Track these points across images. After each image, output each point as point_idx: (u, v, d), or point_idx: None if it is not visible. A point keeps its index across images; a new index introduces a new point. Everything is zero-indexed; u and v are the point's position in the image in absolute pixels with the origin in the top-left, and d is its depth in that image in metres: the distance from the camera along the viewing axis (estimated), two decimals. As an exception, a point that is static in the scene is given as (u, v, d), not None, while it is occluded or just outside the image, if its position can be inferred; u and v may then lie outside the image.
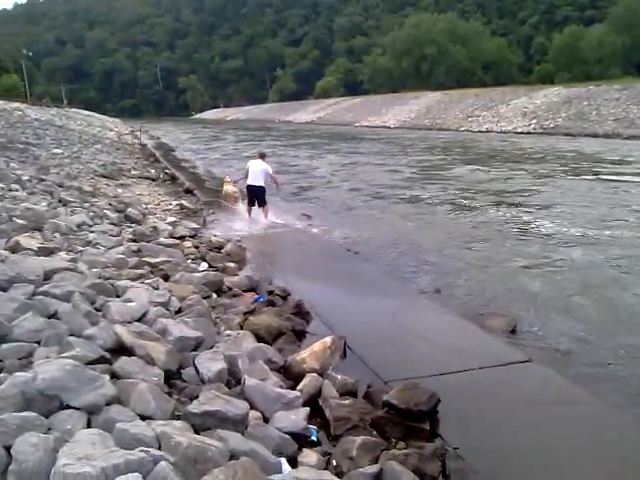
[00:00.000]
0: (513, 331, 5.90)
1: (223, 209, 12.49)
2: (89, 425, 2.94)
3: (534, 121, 43.01)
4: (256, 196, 11.29)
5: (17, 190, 9.68)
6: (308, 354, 4.65)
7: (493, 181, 18.11)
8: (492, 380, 4.61)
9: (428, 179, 18.87)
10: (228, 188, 12.47)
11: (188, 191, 15.49)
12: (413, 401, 3.76)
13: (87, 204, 10.34)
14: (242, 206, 12.19)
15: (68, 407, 2.97)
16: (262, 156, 11.78)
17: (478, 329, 5.83)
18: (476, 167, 21.58)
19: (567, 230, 10.95)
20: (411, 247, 10.08)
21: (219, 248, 8.71)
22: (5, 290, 4.58)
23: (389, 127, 57.07)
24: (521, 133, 40.79)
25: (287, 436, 3.42)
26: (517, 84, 64.29)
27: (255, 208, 11.53)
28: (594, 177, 18.27)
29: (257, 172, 11.24)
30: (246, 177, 11.43)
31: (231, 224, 11.09)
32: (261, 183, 11.22)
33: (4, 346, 3.64)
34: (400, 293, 7.24)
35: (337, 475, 3.07)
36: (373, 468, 3.14)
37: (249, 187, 11.29)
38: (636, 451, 3.67)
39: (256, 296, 6.50)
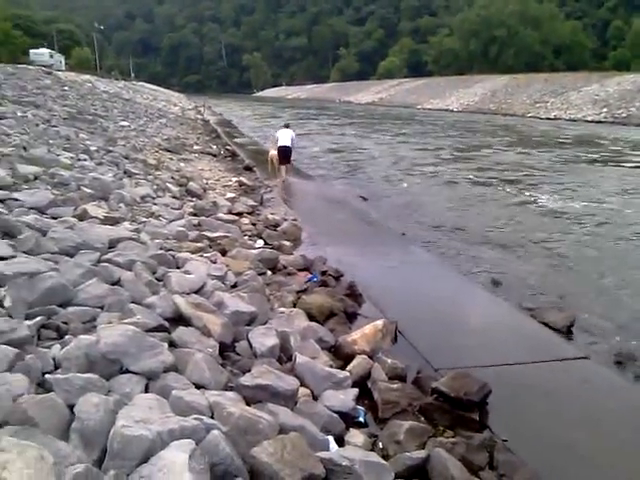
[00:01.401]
0: (571, 326, 5.73)
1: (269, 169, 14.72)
2: (147, 390, 3.07)
3: (605, 109, 41.12)
4: (285, 154, 14.04)
5: (85, 160, 10.03)
6: (359, 336, 4.68)
7: (552, 170, 17.62)
8: (546, 375, 4.52)
9: (477, 163, 18.52)
10: (272, 152, 14.65)
11: (247, 168, 15.68)
12: (463, 390, 3.74)
13: (151, 177, 10.63)
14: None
15: (128, 371, 3.11)
16: (287, 126, 14.96)
17: (534, 322, 5.70)
18: (524, 151, 21.15)
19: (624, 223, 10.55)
20: (460, 231, 10.08)
21: (275, 226, 8.82)
22: (72, 256, 4.79)
23: (452, 110, 55.86)
24: (591, 122, 39.10)
25: (335, 415, 3.47)
26: (590, 70, 61.45)
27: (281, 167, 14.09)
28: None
29: (286, 137, 14.08)
30: (276, 143, 14.18)
31: None
32: (288, 144, 14.05)
33: (70, 309, 3.82)
34: (454, 280, 7.15)
35: (383, 457, 3.10)
36: (420, 453, 3.15)
37: (280, 147, 14.01)
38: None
39: (310, 275, 6.56)
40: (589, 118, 40.37)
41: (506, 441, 3.49)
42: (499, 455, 3.28)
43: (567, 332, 5.62)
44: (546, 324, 5.64)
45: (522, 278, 7.58)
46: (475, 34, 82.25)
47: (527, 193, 13.74)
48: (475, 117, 45.88)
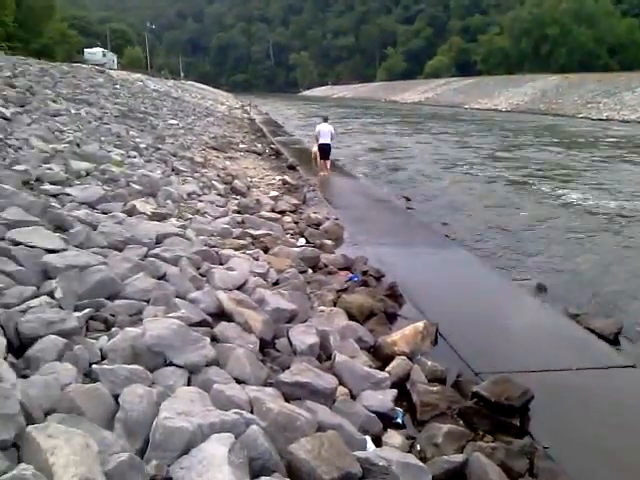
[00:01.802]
0: (619, 333, 5.55)
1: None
2: (189, 383, 3.14)
3: (661, 110, 39.59)
4: (325, 152, 14.17)
5: (135, 157, 10.30)
6: (399, 337, 4.66)
7: (593, 170, 17.20)
8: (591, 382, 4.40)
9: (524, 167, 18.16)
10: (314, 150, 14.95)
11: (291, 167, 15.78)
12: (505, 395, 3.68)
13: (197, 174, 10.83)
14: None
15: (171, 364, 3.19)
16: (326, 119, 14.85)
17: (580, 328, 5.55)
18: (564, 151, 20.83)
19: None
20: (502, 231, 10.00)
21: (317, 225, 8.85)
22: (120, 250, 4.95)
23: (500, 110, 54.81)
24: (646, 123, 37.69)
25: (373, 415, 3.47)
26: (646, 69, 59.22)
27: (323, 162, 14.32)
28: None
29: (326, 132, 14.10)
30: (317, 139, 14.34)
31: None
32: (328, 141, 14.14)
33: (117, 302, 3.94)
34: (499, 284, 7.03)
35: (421, 460, 3.08)
36: (458, 457, 3.12)
37: (320, 145, 14.17)
38: None
39: (351, 275, 6.56)
40: (644, 119, 38.93)
41: (547, 448, 3.42)
42: (539, 462, 3.22)
43: (614, 339, 5.44)
44: (592, 330, 5.48)
45: (568, 281, 7.39)
46: (526, 32, 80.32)
47: (562, 191, 13.71)
48: (523, 117, 44.94)
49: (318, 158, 14.41)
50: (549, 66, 73.22)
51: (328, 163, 14.49)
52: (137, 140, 12.54)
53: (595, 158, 20.04)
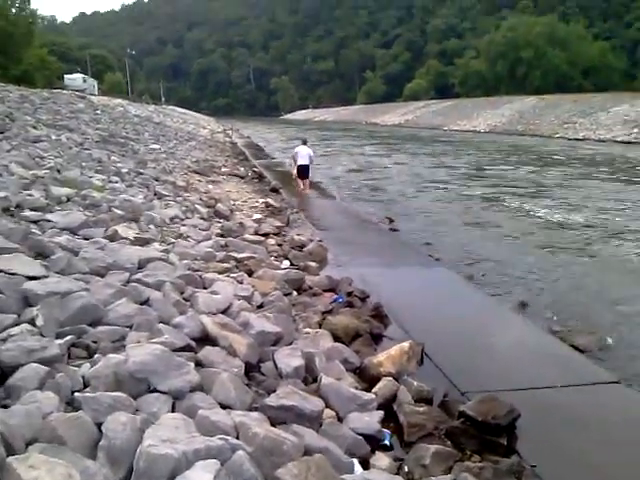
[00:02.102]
0: (602, 349, 5.60)
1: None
2: (173, 409, 3.09)
3: (636, 130, 40.51)
4: (304, 172, 15.04)
5: (117, 182, 10.26)
6: (385, 357, 4.65)
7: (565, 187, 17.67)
8: (576, 399, 4.41)
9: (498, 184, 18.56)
10: (294, 172, 15.52)
11: (274, 190, 15.84)
12: (491, 414, 3.67)
13: (180, 198, 10.81)
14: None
15: (155, 390, 3.14)
16: (304, 142, 15.73)
17: (563, 345, 5.59)
18: (535, 169, 21.70)
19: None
20: (484, 249, 10.16)
21: (301, 247, 8.86)
22: (102, 276, 4.90)
23: (479, 132, 55.69)
24: (621, 142, 38.53)
25: (360, 437, 3.45)
26: (619, 90, 60.74)
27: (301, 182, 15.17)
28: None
29: (304, 155, 14.94)
30: (294, 160, 15.20)
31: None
32: (307, 163, 15.01)
33: (100, 328, 3.89)
34: (481, 301, 7.07)
35: (409, 481, 3.06)
36: (446, 478, 3.10)
37: (299, 167, 14.98)
38: None
39: (335, 296, 6.56)
40: (619, 139, 39.80)
41: (535, 467, 3.41)
42: (527, 481, 3.21)
43: (597, 355, 5.49)
44: (576, 347, 5.53)
45: (549, 298, 7.46)
46: (502, 55, 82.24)
47: (534, 207, 14.37)
48: (500, 138, 45.70)
49: (296, 177, 15.27)
50: (525, 88, 74.85)
51: (307, 182, 15.40)
52: (119, 165, 12.50)
53: (566, 175, 21.02)
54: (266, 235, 9.40)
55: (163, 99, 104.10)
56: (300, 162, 14.94)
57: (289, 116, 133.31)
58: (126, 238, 6.40)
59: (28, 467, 2.13)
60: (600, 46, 78.15)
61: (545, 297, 7.54)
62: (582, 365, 5.16)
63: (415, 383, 4.33)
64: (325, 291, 6.81)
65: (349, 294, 6.61)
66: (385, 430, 3.71)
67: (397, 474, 3.25)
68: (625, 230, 11.76)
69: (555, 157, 28.15)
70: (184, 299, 4.94)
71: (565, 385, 4.58)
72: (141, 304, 4.46)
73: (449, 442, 3.68)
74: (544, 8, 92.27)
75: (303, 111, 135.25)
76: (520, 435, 3.75)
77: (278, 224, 10.47)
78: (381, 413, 3.80)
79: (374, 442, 3.55)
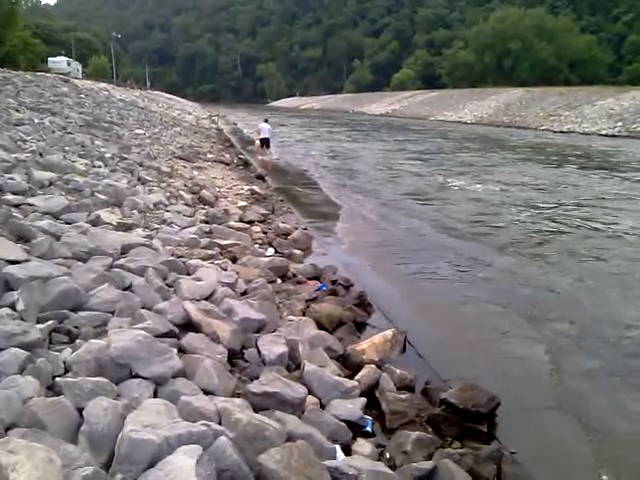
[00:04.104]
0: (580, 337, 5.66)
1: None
2: (155, 395, 3.09)
3: (619, 124, 40.79)
4: (266, 143, 18.02)
5: (100, 167, 10.12)
6: (368, 345, 4.68)
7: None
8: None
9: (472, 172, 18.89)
10: (257, 142, 18.31)
11: (259, 177, 15.79)
12: (472, 402, 3.72)
13: (164, 184, 10.71)
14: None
15: (137, 376, 3.13)
16: (266, 120, 18.88)
17: (543, 334, 5.66)
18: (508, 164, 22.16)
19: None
20: (461, 234, 10.21)
21: (286, 235, 8.85)
22: (85, 261, 4.85)
23: (465, 123, 55.75)
24: (605, 135, 38.83)
25: (343, 424, 3.47)
26: (605, 84, 61.11)
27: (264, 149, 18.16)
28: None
29: (266, 130, 18.08)
30: (259, 133, 18.16)
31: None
32: (268, 136, 18.12)
33: (81, 314, 3.86)
34: (464, 290, 7.11)
35: (390, 468, 3.08)
36: (427, 464, 3.13)
37: (263, 139, 17.93)
38: None
39: (320, 284, 6.57)
40: (603, 132, 40.06)
41: (514, 453, 3.46)
42: (507, 467, 3.26)
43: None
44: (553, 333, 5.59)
45: (532, 291, 7.50)
46: (490, 47, 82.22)
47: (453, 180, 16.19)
48: (483, 129, 45.89)
49: (258, 146, 17.99)
50: (511, 80, 74.96)
51: (268, 150, 18.34)
52: (102, 150, 12.33)
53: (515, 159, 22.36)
54: (251, 222, 9.36)
55: (148, 84, 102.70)
56: (263, 136, 18.00)
57: (276, 103, 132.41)
58: (109, 223, 6.34)
59: (8, 452, 2.11)
60: (587, 39, 78.42)
61: (525, 288, 7.57)
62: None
63: (398, 371, 4.37)
64: (309, 279, 6.82)
65: (333, 282, 6.64)
66: (367, 417, 3.73)
67: (379, 460, 3.28)
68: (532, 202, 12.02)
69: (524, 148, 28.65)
70: (167, 285, 4.91)
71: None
72: (124, 290, 4.43)
73: (430, 429, 3.73)
74: (533, 0, 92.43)
75: (290, 99, 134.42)
76: (500, 422, 3.81)
77: (263, 211, 10.44)
78: (364, 400, 3.83)
79: (356, 429, 3.57)
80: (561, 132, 42.63)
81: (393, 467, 3.19)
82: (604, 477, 3.39)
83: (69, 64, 69.47)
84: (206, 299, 4.75)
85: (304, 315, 5.36)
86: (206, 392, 3.25)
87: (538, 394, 4.37)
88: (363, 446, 3.42)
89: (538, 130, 45.13)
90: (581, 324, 5.95)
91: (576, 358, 5.16)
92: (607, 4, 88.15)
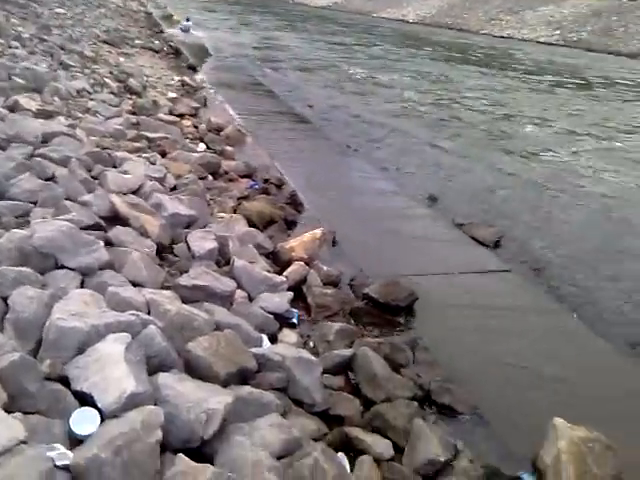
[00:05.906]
0: (498, 241, 6.02)
1: None
2: (82, 286, 3.07)
3: (557, 32, 41.04)
4: (187, 30, 22.32)
5: (17, 48, 9.29)
6: (297, 243, 4.79)
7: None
8: (470, 285, 4.82)
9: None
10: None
11: (191, 67, 15.03)
12: (392, 296, 3.96)
13: (88, 70, 10.03)
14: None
15: (63, 267, 3.09)
16: (188, 19, 23.53)
17: (464, 237, 5.98)
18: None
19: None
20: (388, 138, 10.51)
21: (218, 130, 8.60)
22: (4, 149, 4.58)
23: (408, 21, 54.35)
24: (543, 43, 39.04)
25: (270, 315, 3.61)
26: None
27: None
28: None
29: (188, 25, 22.72)
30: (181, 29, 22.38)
31: None
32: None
33: (1, 203, 3.70)
34: (394, 194, 7.30)
35: (313, 355, 3.28)
36: (347, 351, 3.36)
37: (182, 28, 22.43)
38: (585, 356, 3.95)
39: (251, 182, 6.55)
40: (542, 39, 40.23)
41: (422, 340, 3.76)
42: (419, 355, 3.55)
43: (494, 247, 5.91)
44: (475, 239, 5.91)
45: (457, 193, 7.78)
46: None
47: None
48: (419, 29, 45.21)
49: None
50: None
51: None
52: (19, 29, 11.26)
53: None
54: (181, 116, 9.02)
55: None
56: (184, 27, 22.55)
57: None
58: (28, 110, 5.94)
59: None
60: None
61: (453, 191, 7.85)
62: (479, 255, 5.58)
63: (325, 268, 4.53)
64: (241, 177, 6.76)
65: (265, 181, 6.62)
66: (293, 309, 3.90)
67: (303, 348, 3.47)
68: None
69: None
70: (92, 177, 4.74)
71: (461, 272, 4.96)
72: (46, 180, 4.24)
73: (353, 321, 3.95)
74: None
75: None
76: (417, 316, 4.09)
77: (194, 105, 10.03)
78: (290, 294, 3.97)
79: (283, 320, 3.73)
80: (501, 37, 42.48)
81: (316, 354, 3.39)
82: (506, 364, 3.76)
83: None
84: (134, 193, 4.64)
85: (235, 212, 5.37)
86: (134, 284, 3.26)
87: (453, 288, 4.68)
88: (289, 336, 3.60)
89: (479, 34, 44.71)
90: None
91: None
92: None
